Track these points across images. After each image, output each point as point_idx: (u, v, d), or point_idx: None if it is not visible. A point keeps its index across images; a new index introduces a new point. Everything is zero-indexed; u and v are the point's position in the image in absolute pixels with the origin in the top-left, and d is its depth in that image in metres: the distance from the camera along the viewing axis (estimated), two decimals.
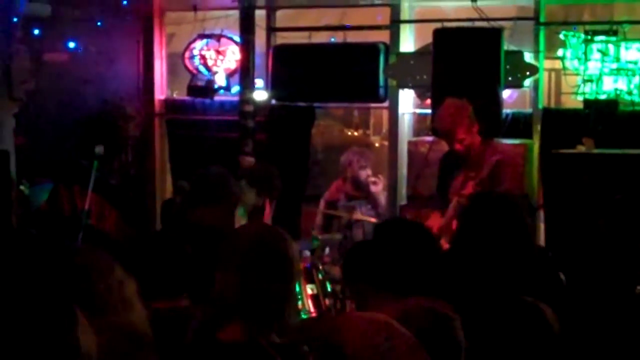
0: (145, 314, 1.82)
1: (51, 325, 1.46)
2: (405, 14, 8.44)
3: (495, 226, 3.81)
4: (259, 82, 8.80)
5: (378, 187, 7.94)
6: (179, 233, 4.54)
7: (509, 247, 3.77)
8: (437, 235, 5.76)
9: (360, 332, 2.06)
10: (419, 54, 8.19)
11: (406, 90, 8.38)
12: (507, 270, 3.72)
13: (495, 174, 5.81)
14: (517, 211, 3.92)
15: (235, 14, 8.59)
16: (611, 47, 7.49)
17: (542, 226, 7.63)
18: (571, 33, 7.64)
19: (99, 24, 9.43)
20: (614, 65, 7.50)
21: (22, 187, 8.22)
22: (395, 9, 8.41)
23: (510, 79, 7.58)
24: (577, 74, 7.65)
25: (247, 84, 8.45)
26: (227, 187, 4.55)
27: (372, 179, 7.92)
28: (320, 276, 5.75)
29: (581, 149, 7.35)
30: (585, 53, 7.51)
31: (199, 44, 9.06)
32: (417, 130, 8.75)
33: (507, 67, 7.47)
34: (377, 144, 10.93)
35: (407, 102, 8.58)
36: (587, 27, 7.59)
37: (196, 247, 4.12)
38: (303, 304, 5.47)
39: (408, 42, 8.48)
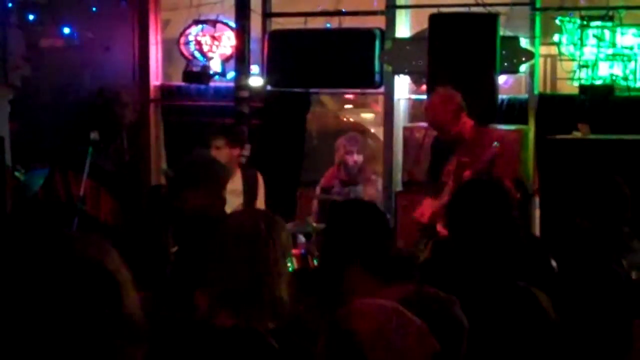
0: (138, 299, 1.83)
1: (45, 312, 1.46)
2: None
3: (483, 212, 3.79)
4: (255, 68, 8.79)
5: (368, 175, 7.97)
6: (165, 219, 4.54)
7: (497, 233, 3.75)
8: (432, 221, 5.77)
9: (372, 318, 2.06)
10: (414, 39, 8.18)
11: (402, 76, 8.37)
12: (496, 256, 3.70)
13: (490, 164, 5.79)
14: (505, 197, 3.89)
15: None
16: (607, 32, 7.47)
17: (537, 212, 7.63)
18: (567, 18, 7.62)
19: (94, 9, 9.41)
20: (610, 51, 7.49)
21: (17, 174, 8.21)
22: None
23: (505, 64, 7.56)
24: (573, 60, 7.63)
25: (242, 69, 8.43)
26: (212, 168, 4.53)
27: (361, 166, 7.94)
28: (315, 262, 5.75)
29: (577, 134, 7.35)
30: (581, 38, 7.50)
31: (194, 30, 9.03)
32: (413, 116, 8.74)
33: (503, 52, 7.45)
34: (372, 130, 10.91)
35: (403, 88, 8.57)
36: (583, 13, 7.58)
37: (183, 233, 4.11)
38: None
39: (404, 27, 8.46)
